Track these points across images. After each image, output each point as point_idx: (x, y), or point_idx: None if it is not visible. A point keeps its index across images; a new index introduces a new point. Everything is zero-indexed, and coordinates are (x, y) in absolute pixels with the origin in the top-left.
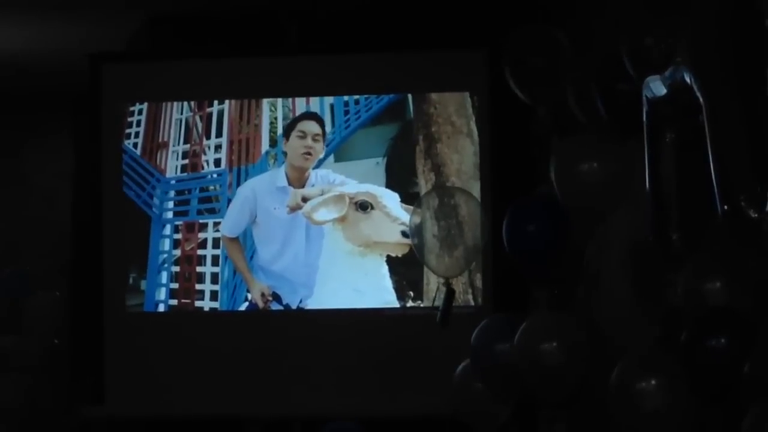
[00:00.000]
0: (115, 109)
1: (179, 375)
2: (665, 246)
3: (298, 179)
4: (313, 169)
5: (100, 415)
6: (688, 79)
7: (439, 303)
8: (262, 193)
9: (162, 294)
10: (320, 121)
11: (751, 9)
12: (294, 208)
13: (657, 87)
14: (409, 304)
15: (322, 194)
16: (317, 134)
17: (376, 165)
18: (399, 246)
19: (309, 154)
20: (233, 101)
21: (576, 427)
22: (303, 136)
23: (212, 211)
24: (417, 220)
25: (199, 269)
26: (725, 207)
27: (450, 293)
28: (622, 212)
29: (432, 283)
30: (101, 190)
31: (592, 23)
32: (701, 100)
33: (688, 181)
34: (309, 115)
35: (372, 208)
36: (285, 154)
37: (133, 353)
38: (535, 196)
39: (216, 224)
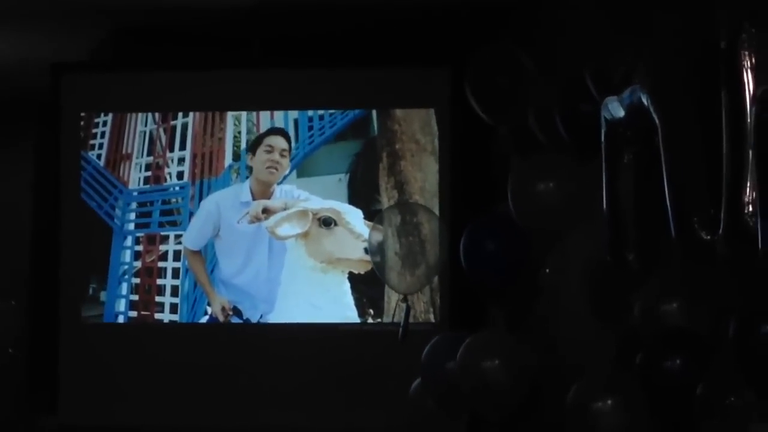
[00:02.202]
0: (76, 119)
1: (136, 386)
2: (622, 266)
3: (263, 194)
4: (278, 184)
5: (54, 424)
6: (645, 101)
7: (398, 319)
8: (226, 207)
9: (122, 305)
10: (287, 137)
11: (707, 33)
12: (254, 218)
13: (615, 108)
14: (370, 321)
15: (284, 207)
16: (284, 150)
17: (339, 181)
18: (361, 263)
19: (275, 168)
20: (198, 115)
21: None
22: (270, 150)
23: (174, 224)
24: (378, 237)
25: (159, 281)
26: (679, 229)
27: (407, 310)
28: (580, 231)
29: (393, 301)
30: (60, 200)
31: (555, 44)
32: (657, 122)
33: (645, 202)
34: (276, 131)
35: (335, 224)
36: (250, 168)
37: (89, 364)
38: (493, 214)
39: (177, 237)
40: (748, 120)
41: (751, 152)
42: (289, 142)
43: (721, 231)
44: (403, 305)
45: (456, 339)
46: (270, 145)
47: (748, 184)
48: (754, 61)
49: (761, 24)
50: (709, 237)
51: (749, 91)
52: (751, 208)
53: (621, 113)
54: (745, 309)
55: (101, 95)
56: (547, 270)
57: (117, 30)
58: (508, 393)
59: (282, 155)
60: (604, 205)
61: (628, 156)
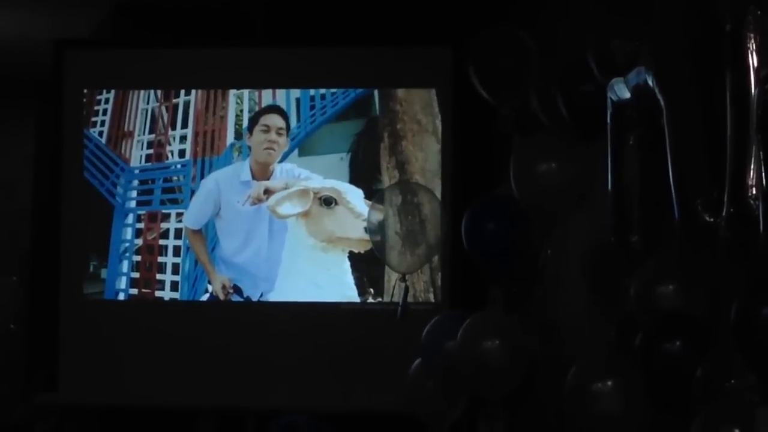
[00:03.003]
0: (78, 96)
1: (135, 364)
2: (625, 248)
3: (263, 173)
4: (278, 162)
5: (54, 402)
6: (650, 82)
7: (397, 298)
8: (225, 186)
9: (122, 283)
10: (284, 115)
11: (711, 15)
12: (256, 200)
13: (621, 90)
14: (370, 300)
15: (285, 187)
16: (281, 128)
17: (340, 160)
18: (362, 242)
19: (272, 149)
20: (200, 92)
21: (516, 425)
22: (267, 130)
23: (175, 202)
24: (379, 216)
25: (160, 259)
26: (681, 210)
27: (406, 289)
28: (581, 213)
29: (393, 281)
30: (61, 176)
31: (558, 25)
32: (662, 103)
33: (650, 184)
34: (272, 109)
35: (336, 203)
36: (249, 148)
37: (89, 341)
38: (494, 194)
39: (179, 215)
40: (753, 103)
41: (754, 135)
42: (286, 119)
43: (723, 213)
44: (403, 285)
45: (456, 319)
46: (266, 125)
47: (752, 167)
48: (759, 43)
49: (767, 6)
50: (712, 219)
51: (754, 73)
52: (754, 191)
53: (627, 95)
54: (745, 292)
55: (104, 72)
56: (549, 251)
57: (120, 6)
58: (508, 373)
59: (279, 133)
60: (609, 187)
61: (633, 138)
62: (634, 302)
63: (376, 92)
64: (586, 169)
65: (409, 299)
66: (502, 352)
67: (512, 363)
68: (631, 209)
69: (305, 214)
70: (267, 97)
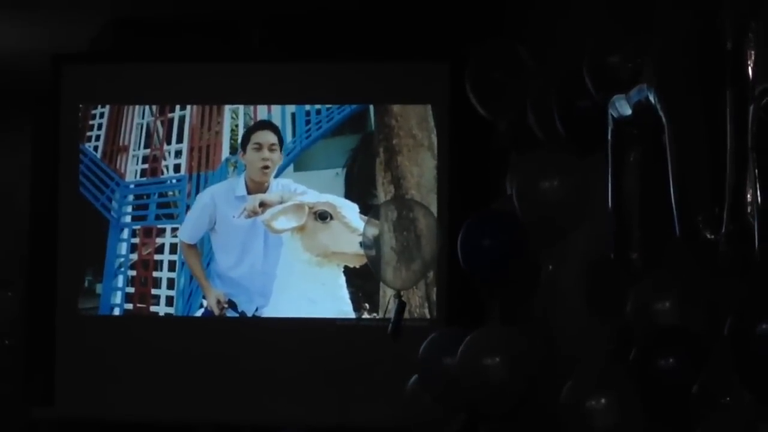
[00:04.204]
0: (75, 110)
1: (131, 379)
2: (625, 264)
3: (258, 189)
4: (274, 177)
5: (50, 416)
6: (652, 99)
7: (390, 315)
8: (221, 201)
9: (118, 298)
10: (275, 129)
11: (712, 32)
12: (251, 212)
13: (622, 106)
14: (365, 315)
15: (281, 200)
16: (273, 144)
17: (336, 176)
18: (357, 257)
19: (266, 167)
20: (195, 107)
21: None
22: (259, 147)
23: (170, 217)
24: (374, 231)
25: (155, 274)
26: (683, 227)
27: (401, 305)
28: (581, 227)
29: (388, 296)
30: (58, 191)
31: (554, 39)
32: (664, 120)
33: (650, 201)
34: (263, 125)
35: (331, 218)
36: (244, 165)
37: (85, 356)
38: (491, 210)
39: (174, 230)
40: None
41: (751, 152)
42: (278, 133)
43: (723, 230)
44: (396, 301)
45: (454, 335)
46: (258, 143)
47: (750, 184)
48: (757, 59)
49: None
50: (713, 236)
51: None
52: (752, 208)
53: (628, 111)
54: (741, 308)
55: (100, 86)
56: (550, 267)
57: (117, 21)
58: (510, 389)
59: (271, 149)
60: (609, 204)
61: (634, 154)
62: (632, 316)
63: (371, 107)
64: (587, 184)
65: (405, 315)
66: (506, 368)
67: (516, 379)
68: (631, 226)
69: (300, 229)
70: (262, 112)
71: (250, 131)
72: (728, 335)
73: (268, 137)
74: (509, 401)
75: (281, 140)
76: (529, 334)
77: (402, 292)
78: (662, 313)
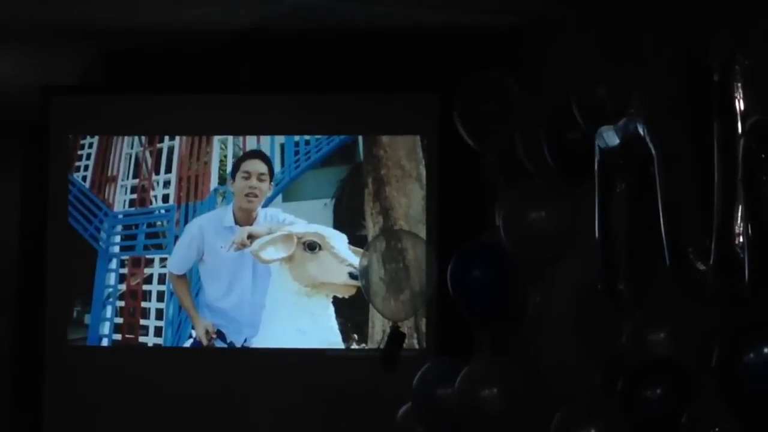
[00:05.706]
0: (64, 141)
1: (119, 410)
2: (613, 295)
3: (246, 219)
4: (262, 208)
5: None
6: (641, 130)
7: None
8: (209, 231)
9: (106, 328)
10: (266, 159)
11: (700, 64)
12: (240, 245)
13: (610, 137)
14: (354, 346)
15: (269, 232)
16: (262, 173)
17: (324, 206)
18: (346, 287)
19: (254, 194)
20: (184, 138)
21: None
22: (247, 176)
23: (159, 247)
24: (365, 262)
25: (144, 304)
26: (673, 258)
27: (398, 336)
28: (569, 258)
29: (377, 326)
30: (47, 220)
31: (543, 71)
32: (653, 151)
33: (638, 231)
34: (253, 154)
35: (320, 248)
36: (233, 194)
37: (73, 387)
38: (480, 241)
39: (162, 260)
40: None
41: (740, 183)
42: (268, 164)
43: (711, 261)
44: (389, 331)
45: (447, 365)
46: (247, 171)
47: (738, 215)
48: (744, 92)
49: (753, 55)
50: (703, 267)
51: (741, 122)
52: (740, 240)
53: (616, 142)
54: (727, 339)
55: (89, 118)
56: (538, 298)
57: (106, 53)
58: (507, 421)
59: (260, 179)
60: (596, 234)
61: (621, 185)
62: (624, 346)
63: (360, 138)
64: (575, 216)
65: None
66: (503, 399)
67: (512, 410)
68: (619, 257)
69: (289, 259)
70: (251, 142)
71: (240, 160)
72: (715, 366)
73: (257, 166)
74: None
75: (271, 170)
76: (522, 364)
77: (399, 324)
78: (654, 344)
